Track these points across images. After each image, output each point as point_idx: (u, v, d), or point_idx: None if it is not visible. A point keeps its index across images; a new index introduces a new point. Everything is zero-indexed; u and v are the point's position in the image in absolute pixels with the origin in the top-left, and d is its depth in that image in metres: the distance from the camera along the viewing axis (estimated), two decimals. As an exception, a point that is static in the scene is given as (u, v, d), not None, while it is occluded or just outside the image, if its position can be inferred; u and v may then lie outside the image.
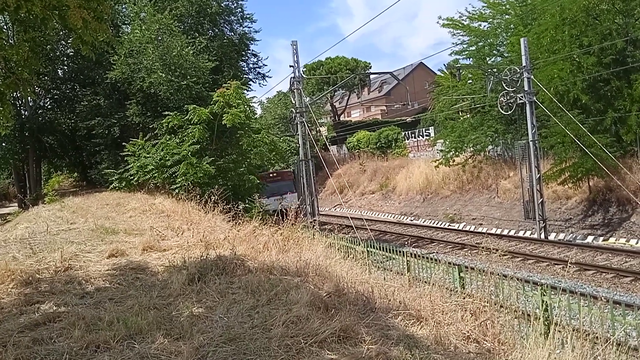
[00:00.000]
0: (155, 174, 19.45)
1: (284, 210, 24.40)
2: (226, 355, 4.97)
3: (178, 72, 22.87)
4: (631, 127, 21.29)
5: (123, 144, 22.32)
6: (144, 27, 23.89)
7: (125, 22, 28.82)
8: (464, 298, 6.94)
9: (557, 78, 22.51)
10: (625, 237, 19.60)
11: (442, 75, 38.84)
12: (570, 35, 22.57)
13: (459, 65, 30.26)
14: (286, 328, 5.45)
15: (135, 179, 20.62)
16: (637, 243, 18.78)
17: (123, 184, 21.83)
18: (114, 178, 22.44)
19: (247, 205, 14.79)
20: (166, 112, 20.94)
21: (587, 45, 22.02)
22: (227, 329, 5.54)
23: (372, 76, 60.43)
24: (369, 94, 66.53)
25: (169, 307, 6.37)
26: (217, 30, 30.12)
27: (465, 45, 30.84)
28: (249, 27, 31.14)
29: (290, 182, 30.62)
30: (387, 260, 11.49)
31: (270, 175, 29.80)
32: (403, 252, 10.83)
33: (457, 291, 7.53)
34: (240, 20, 30.86)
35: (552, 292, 7.47)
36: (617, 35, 21.88)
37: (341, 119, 60.04)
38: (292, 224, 9.91)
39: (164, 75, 22.45)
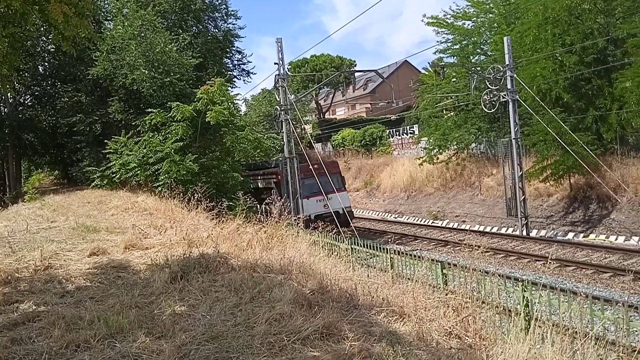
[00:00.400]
0: (138, 172, 19.28)
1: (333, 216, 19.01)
2: (208, 354, 4.95)
3: (161, 69, 22.65)
4: (612, 125, 21.63)
5: (105, 141, 22.08)
6: (126, 23, 23.62)
7: (108, 18, 28.46)
8: (447, 294, 7.00)
9: (539, 76, 22.78)
10: (605, 234, 19.91)
11: (427, 73, 39.01)
12: (553, 34, 22.83)
13: (443, 63, 30.40)
14: (269, 325, 5.45)
15: (118, 176, 20.42)
16: (616, 239, 19.10)
17: (105, 182, 21.60)
18: (95, 176, 22.19)
19: (231, 203, 14.76)
20: (149, 109, 20.76)
21: (569, 44, 22.30)
22: (209, 327, 5.53)
23: (357, 74, 60.67)
24: (353, 91, 66.63)
25: (150, 305, 6.33)
26: (201, 26, 29.87)
27: (449, 44, 31.05)
28: (233, 24, 30.99)
29: (338, 176, 23.76)
30: (371, 258, 11.52)
31: (313, 166, 22.47)
32: (387, 249, 10.88)
33: (439, 288, 7.59)
34: (225, 17, 30.66)
35: (533, 288, 7.56)
36: (598, 35, 22.19)
37: (326, 116, 60.07)
38: (276, 222, 9.89)
39: (146, 71, 22.22)
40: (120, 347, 5.03)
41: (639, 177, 20.48)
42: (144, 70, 22.19)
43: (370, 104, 60.72)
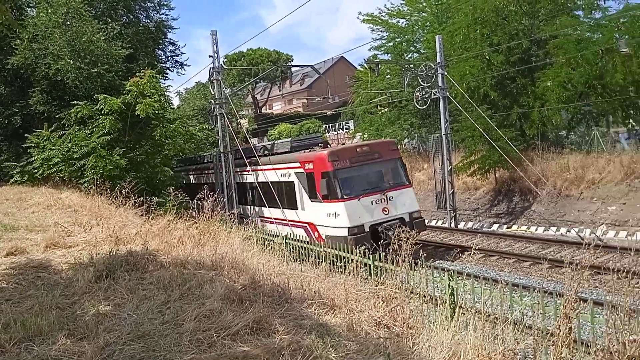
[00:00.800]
0: (62, 167, 18.34)
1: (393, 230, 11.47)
2: (134, 353, 4.81)
3: (88, 59, 21.59)
4: (534, 122, 22.96)
5: (25, 135, 20.81)
6: (50, 10, 22.31)
7: (30, 4, 26.75)
8: (377, 286, 7.17)
9: (468, 74, 23.76)
10: (526, 225, 21.08)
11: (362, 69, 39.68)
12: (482, 34, 23.90)
13: (378, 60, 31.03)
14: (198, 322, 5.38)
15: (40, 172, 19.33)
16: (536, 230, 20.27)
17: (25, 178, 20.36)
18: (15, 171, 20.88)
19: (161, 199, 14.33)
20: (75, 102, 19.77)
21: (496, 44, 23.42)
22: (136, 326, 5.38)
23: (294, 69, 60.56)
24: (290, 86, 66.54)
25: (73, 306, 6.07)
26: (131, 16, 28.73)
27: (384, 41, 31.71)
28: (166, 15, 30.01)
29: (398, 162, 16.80)
30: (305, 251, 11.57)
31: (362, 148, 16.09)
32: (319, 243, 10.98)
33: (370, 280, 7.75)
34: (157, 7, 29.65)
35: (459, 278, 7.89)
36: (523, 36, 23.44)
37: (262, 111, 59.71)
38: (208, 218, 9.73)
39: (72, 62, 21.09)
40: (38, 350, 4.80)
41: (557, 171, 21.80)
42: (69, 60, 21.05)
43: (307, 99, 60.93)
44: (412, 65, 26.13)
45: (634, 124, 23.40)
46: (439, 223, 23.84)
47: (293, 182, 16.55)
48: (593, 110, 24.00)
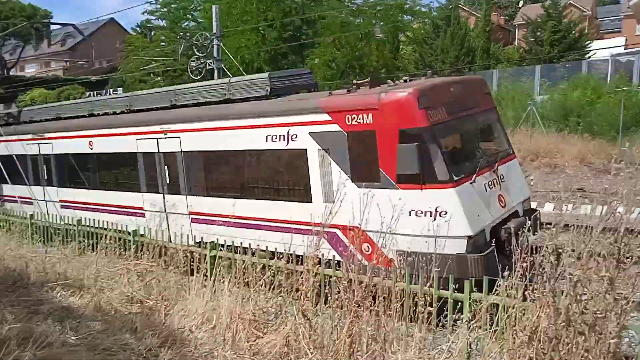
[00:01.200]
0: None
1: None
2: None
3: None
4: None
5: None
6: None
7: None
8: (132, 261, 6.91)
9: (244, 47, 24.21)
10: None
11: (135, 34, 37.17)
12: (258, 8, 24.49)
13: (152, 25, 29.45)
14: None
15: None
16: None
17: None
18: None
19: None
20: None
21: (271, 20, 24.21)
22: None
23: (53, 28, 53.57)
24: (49, 47, 58.80)
25: None
26: None
27: (159, 6, 30.19)
28: None
29: (496, 116, 9.80)
30: (54, 231, 10.38)
31: (451, 88, 8.47)
32: (73, 222, 9.96)
33: (128, 255, 7.42)
34: None
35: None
36: (295, 14, 24.71)
37: (12, 73, 51.48)
38: None
39: None
40: None
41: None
42: None
43: (68, 61, 54.67)
44: (187, 34, 25.41)
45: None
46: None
47: (304, 150, 8.83)
48: (352, 89, 26.76)
